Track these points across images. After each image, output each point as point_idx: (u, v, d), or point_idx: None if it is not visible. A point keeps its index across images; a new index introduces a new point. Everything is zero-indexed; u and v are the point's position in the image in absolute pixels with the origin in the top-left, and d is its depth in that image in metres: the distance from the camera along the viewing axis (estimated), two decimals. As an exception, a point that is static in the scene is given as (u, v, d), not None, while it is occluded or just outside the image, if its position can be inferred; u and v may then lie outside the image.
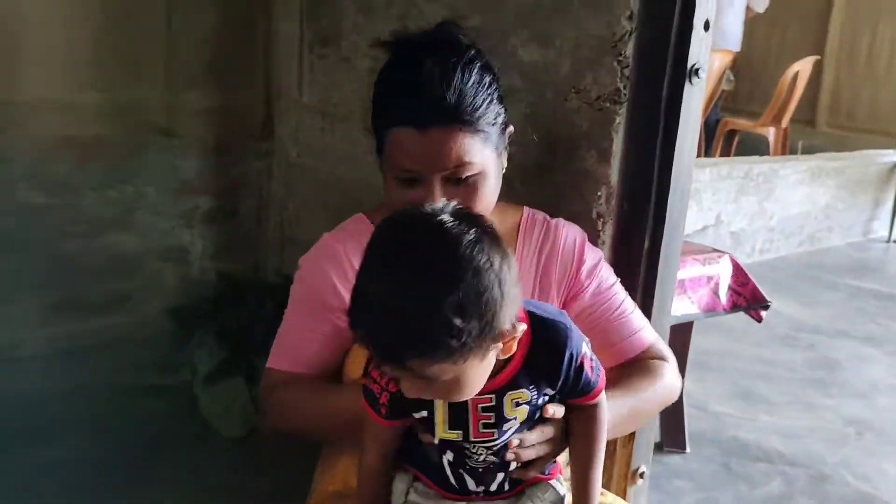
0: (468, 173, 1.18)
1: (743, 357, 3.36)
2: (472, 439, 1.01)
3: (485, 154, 1.19)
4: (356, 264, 1.15)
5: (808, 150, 5.83)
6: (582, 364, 1.01)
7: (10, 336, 2.43)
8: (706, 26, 1.50)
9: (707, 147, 5.90)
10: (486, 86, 1.19)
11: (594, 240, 1.63)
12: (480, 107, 1.17)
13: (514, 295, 0.90)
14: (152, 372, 2.62)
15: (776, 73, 6.21)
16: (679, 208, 1.58)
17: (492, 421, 1.00)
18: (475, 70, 1.17)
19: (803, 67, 5.90)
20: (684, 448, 2.49)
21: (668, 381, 1.32)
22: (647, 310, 1.60)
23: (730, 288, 2.21)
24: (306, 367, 1.27)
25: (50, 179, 2.40)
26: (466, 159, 1.16)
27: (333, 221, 1.41)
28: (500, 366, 0.97)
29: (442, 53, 1.17)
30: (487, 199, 1.23)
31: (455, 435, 1.01)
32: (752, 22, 6.41)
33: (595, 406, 1.06)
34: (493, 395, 0.99)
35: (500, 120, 1.23)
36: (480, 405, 0.99)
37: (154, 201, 2.59)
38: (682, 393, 2.45)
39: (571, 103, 1.66)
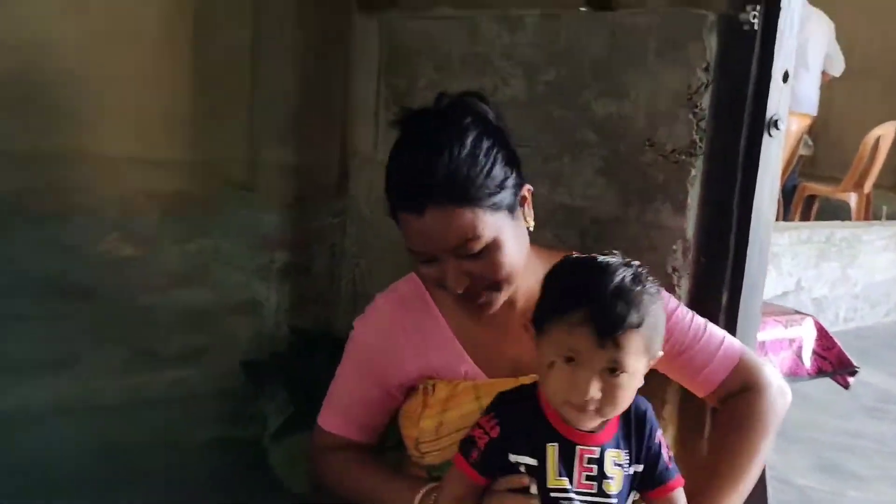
0: (478, 247, 1.16)
1: (827, 429, 3.20)
2: (575, 488, 1.09)
3: (492, 223, 1.17)
4: (406, 331, 1.30)
5: (893, 217, 5.62)
6: (660, 444, 1.15)
7: (90, 385, 2.49)
8: (785, 77, 1.48)
9: (785, 213, 5.76)
10: (480, 155, 1.15)
11: (670, 293, 1.59)
12: (477, 178, 1.14)
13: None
14: (225, 425, 2.65)
15: (856, 137, 6.04)
16: (759, 263, 1.53)
17: (594, 474, 1.10)
18: (468, 142, 1.15)
19: (886, 132, 5.75)
20: (767, 521, 2.35)
21: (767, 413, 1.31)
22: (726, 368, 1.54)
23: (814, 352, 2.11)
24: (355, 430, 1.37)
25: (133, 233, 2.49)
26: (470, 235, 1.15)
27: (403, 279, 1.43)
28: (604, 423, 1.11)
29: (431, 131, 1.16)
30: (509, 264, 1.20)
31: (563, 482, 1.09)
32: (831, 86, 6.30)
33: (678, 497, 1.15)
34: (598, 449, 1.10)
35: (508, 183, 1.19)
36: (586, 455, 1.10)
37: (231, 255, 2.65)
38: (763, 464, 2.36)
39: (646, 156, 1.64)
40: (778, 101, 1.48)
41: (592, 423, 1.10)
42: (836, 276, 4.62)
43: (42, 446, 2.41)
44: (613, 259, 1.10)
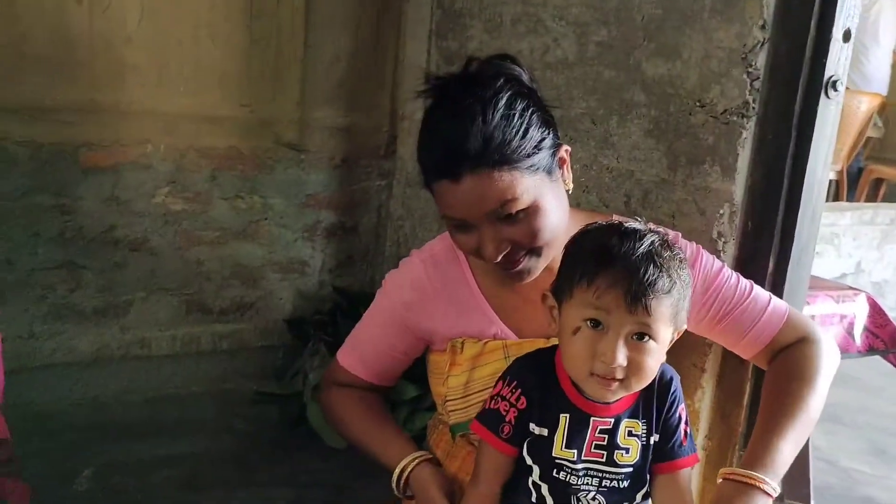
0: (516, 209, 1.12)
1: (880, 413, 3.10)
2: (583, 457, 1.08)
3: (531, 185, 1.12)
4: (437, 290, 1.29)
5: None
6: (680, 418, 1.13)
7: (140, 334, 2.56)
8: (846, 37, 1.42)
9: (850, 196, 5.56)
10: (515, 116, 1.12)
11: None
12: (512, 140, 1.10)
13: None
14: (268, 379, 2.71)
15: (927, 120, 5.81)
16: (809, 230, 1.48)
17: (604, 443, 1.09)
18: (501, 103, 1.11)
19: None
20: (808, 502, 2.30)
21: (822, 359, 1.26)
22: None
23: (866, 329, 2.04)
24: (369, 371, 1.38)
25: (185, 188, 2.54)
26: (508, 196, 1.11)
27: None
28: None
29: (462, 97, 1.12)
30: (550, 228, 1.16)
31: (570, 454, 1.08)
32: (904, 64, 6.03)
33: (682, 476, 1.13)
34: (612, 420, 1.09)
35: (545, 144, 1.15)
36: (599, 426, 1.09)
37: (280, 213, 2.68)
38: (808, 443, 2.30)
39: (696, 117, 1.60)
40: (837, 60, 1.42)
41: (615, 397, 1.06)
42: (899, 260, 4.46)
43: (94, 392, 2.51)
44: (639, 224, 1.07)
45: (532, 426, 1.10)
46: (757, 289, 1.30)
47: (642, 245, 1.02)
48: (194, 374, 2.65)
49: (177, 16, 2.42)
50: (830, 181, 5.46)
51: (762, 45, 1.47)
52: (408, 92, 2.74)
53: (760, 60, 1.48)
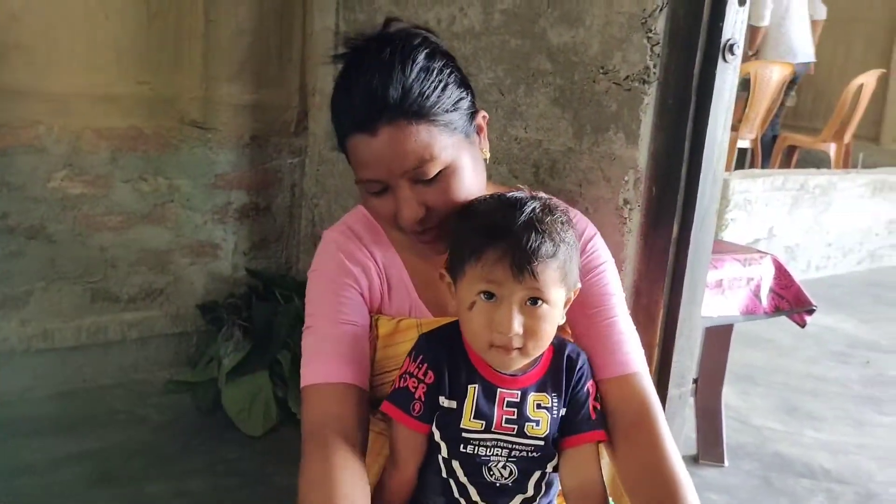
0: (435, 170, 1.08)
1: (792, 372, 3.21)
2: (494, 430, 1.08)
3: (449, 145, 1.09)
4: (363, 253, 1.21)
5: (869, 166, 5.60)
6: (588, 393, 1.13)
7: (43, 326, 2.44)
8: (741, 0, 1.42)
9: (764, 163, 5.72)
10: (434, 72, 1.09)
11: (620, 227, 1.56)
12: (430, 95, 1.07)
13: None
14: (183, 367, 2.63)
15: (840, 87, 5.98)
16: (711, 193, 1.49)
17: (514, 417, 1.09)
18: (420, 58, 1.08)
19: (867, 81, 5.68)
20: (722, 461, 2.37)
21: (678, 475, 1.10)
22: (675, 300, 1.52)
23: (771, 290, 2.09)
24: (346, 369, 1.14)
25: (83, 170, 2.42)
26: (427, 155, 1.07)
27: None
28: (528, 367, 1.10)
29: (380, 51, 1.08)
30: (467, 192, 1.12)
31: (478, 425, 1.08)
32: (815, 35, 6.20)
33: (597, 447, 1.14)
34: (518, 392, 1.09)
35: (462, 105, 1.12)
36: (507, 398, 1.09)
37: (187, 195, 2.59)
38: (720, 403, 2.36)
39: (600, 84, 1.59)
40: (734, 24, 1.42)
41: (517, 365, 1.06)
42: (810, 224, 4.61)
43: (-4, 388, 2.38)
44: (521, 193, 1.08)
45: (441, 399, 1.08)
46: (624, 324, 1.20)
47: (523, 214, 1.03)
48: (103, 366, 2.55)
49: (65, -11, 2.30)
50: (745, 149, 5.61)
51: (661, 9, 1.46)
52: (317, 66, 2.67)
53: (660, 25, 1.47)
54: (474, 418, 1.08)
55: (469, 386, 1.08)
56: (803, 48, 5.84)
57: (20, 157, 2.32)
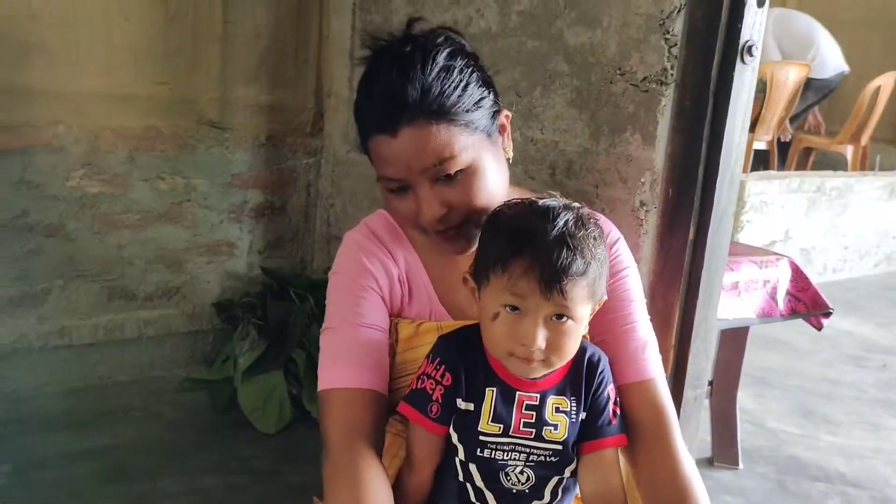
0: (455, 168, 1.08)
1: (808, 376, 3.19)
2: (511, 433, 1.06)
3: (470, 144, 1.09)
4: (385, 253, 1.21)
5: (886, 168, 5.56)
6: (609, 398, 1.11)
7: (60, 323, 2.47)
8: (760, 1, 1.41)
9: (781, 166, 5.69)
10: (455, 71, 1.09)
11: (637, 228, 1.56)
12: (451, 94, 1.07)
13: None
14: (197, 365, 2.65)
15: (857, 90, 5.93)
16: (728, 195, 1.48)
17: (532, 420, 1.07)
18: (440, 57, 1.08)
19: (885, 82, 5.63)
20: (737, 464, 2.36)
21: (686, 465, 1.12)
22: (691, 302, 1.51)
23: (788, 293, 2.08)
24: (364, 374, 1.14)
25: (101, 170, 2.44)
26: (447, 154, 1.07)
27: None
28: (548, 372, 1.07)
29: (401, 52, 1.09)
30: (489, 192, 1.12)
31: (496, 428, 1.06)
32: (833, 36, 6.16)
33: (617, 453, 1.12)
34: (538, 395, 1.07)
35: (484, 104, 1.12)
36: (526, 402, 1.07)
37: (204, 194, 2.60)
38: (735, 406, 2.35)
39: (617, 86, 1.59)
40: (752, 25, 1.42)
41: (537, 374, 1.05)
42: (826, 227, 4.58)
43: (13, 385, 2.41)
44: (554, 202, 1.04)
45: (459, 402, 1.07)
46: (643, 330, 1.20)
47: (555, 227, 0.99)
48: (119, 363, 2.57)
49: (85, -9, 2.32)
50: (760, 151, 5.58)
51: (679, 10, 1.46)
52: (333, 68, 2.68)
53: (678, 27, 1.47)
54: (492, 421, 1.06)
55: (487, 389, 1.07)
56: (835, 60, 5.79)
57: (39, 157, 2.34)
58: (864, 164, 5.91)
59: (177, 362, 2.64)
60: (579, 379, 1.10)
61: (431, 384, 1.08)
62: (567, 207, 1.03)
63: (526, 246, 0.98)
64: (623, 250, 1.25)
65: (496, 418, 1.07)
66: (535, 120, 1.80)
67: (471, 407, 1.07)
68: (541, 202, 1.04)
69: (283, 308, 2.43)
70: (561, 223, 0.99)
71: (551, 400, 1.08)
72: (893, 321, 4.02)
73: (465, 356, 1.09)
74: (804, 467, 2.42)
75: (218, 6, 2.52)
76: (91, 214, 2.45)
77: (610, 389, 1.12)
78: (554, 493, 1.11)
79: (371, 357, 1.15)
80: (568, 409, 1.09)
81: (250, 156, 2.66)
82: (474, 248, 1.15)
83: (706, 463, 2.35)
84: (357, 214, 2.66)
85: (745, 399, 2.71)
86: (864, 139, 5.76)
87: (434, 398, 1.07)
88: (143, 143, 2.49)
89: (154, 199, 2.54)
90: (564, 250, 0.97)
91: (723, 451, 2.37)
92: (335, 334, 1.17)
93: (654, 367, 1.18)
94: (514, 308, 1.00)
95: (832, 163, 5.87)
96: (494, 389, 1.07)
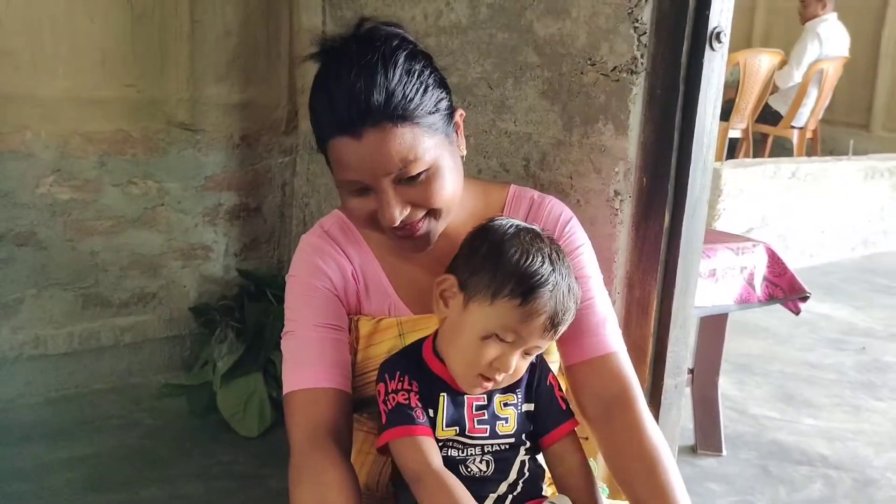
0: (418, 170, 1.09)
1: (788, 360, 3.21)
2: (468, 433, 1.09)
3: (431, 145, 1.10)
4: (341, 254, 1.21)
5: (862, 154, 5.60)
6: (552, 385, 1.16)
7: (34, 333, 2.43)
8: (728, -13, 1.41)
9: (755, 154, 5.72)
10: (415, 74, 1.09)
11: (612, 218, 1.55)
12: (413, 97, 1.08)
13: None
14: (177, 370, 2.62)
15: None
16: (702, 182, 1.48)
17: (485, 418, 1.10)
18: (400, 62, 1.08)
19: (828, 67, 5.62)
20: (720, 450, 2.37)
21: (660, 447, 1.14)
22: (668, 290, 1.51)
23: (765, 278, 2.08)
24: (326, 373, 1.15)
25: (71, 175, 2.40)
26: (411, 157, 1.07)
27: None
28: None
29: (360, 54, 1.08)
30: (448, 192, 1.13)
31: (452, 432, 1.09)
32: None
33: (575, 434, 1.15)
34: (485, 395, 1.11)
35: (442, 105, 1.13)
36: (475, 403, 1.10)
37: (177, 197, 2.57)
38: (716, 393, 2.36)
39: (588, 76, 1.58)
40: (720, 12, 1.42)
41: (482, 391, 1.09)
42: (802, 212, 4.61)
43: (-11, 396, 2.37)
44: (549, 241, 1.10)
45: (427, 407, 1.09)
46: (601, 305, 1.22)
47: (563, 277, 1.06)
48: (96, 371, 2.53)
49: (49, -8, 2.28)
50: (735, 139, 5.61)
51: (647, -2, 1.45)
52: (306, 64, 2.64)
53: (646, 15, 1.46)
54: (447, 426, 1.08)
55: (440, 395, 1.09)
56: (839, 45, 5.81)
57: (8, 164, 2.30)
58: (816, 148, 5.94)
59: (155, 368, 2.61)
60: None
61: (403, 396, 1.07)
62: (558, 247, 1.10)
63: (543, 288, 1.03)
64: (576, 229, 1.27)
65: (450, 423, 1.09)
66: (508, 112, 1.79)
67: (431, 413, 1.08)
68: (541, 242, 1.08)
69: (261, 310, 2.41)
70: (565, 270, 1.07)
71: (498, 398, 1.12)
72: (871, 304, 4.05)
73: (414, 368, 1.10)
74: (787, 452, 2.44)
75: (185, 4, 2.48)
76: (62, 221, 2.41)
77: (550, 377, 1.16)
78: (521, 472, 1.12)
79: (330, 356, 1.16)
80: (515, 402, 1.13)
81: (224, 157, 2.63)
82: (431, 246, 1.18)
83: (689, 451, 2.36)
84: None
85: (726, 386, 2.72)
86: (813, 123, 5.77)
87: (412, 405, 1.06)
88: (113, 148, 2.46)
89: (126, 205, 2.50)
90: (571, 300, 1.06)
91: (706, 438, 2.38)
92: (294, 338, 1.19)
93: (614, 341, 1.22)
94: (509, 340, 1.04)
95: (779, 149, 5.90)
96: (445, 395, 1.09)
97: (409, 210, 1.11)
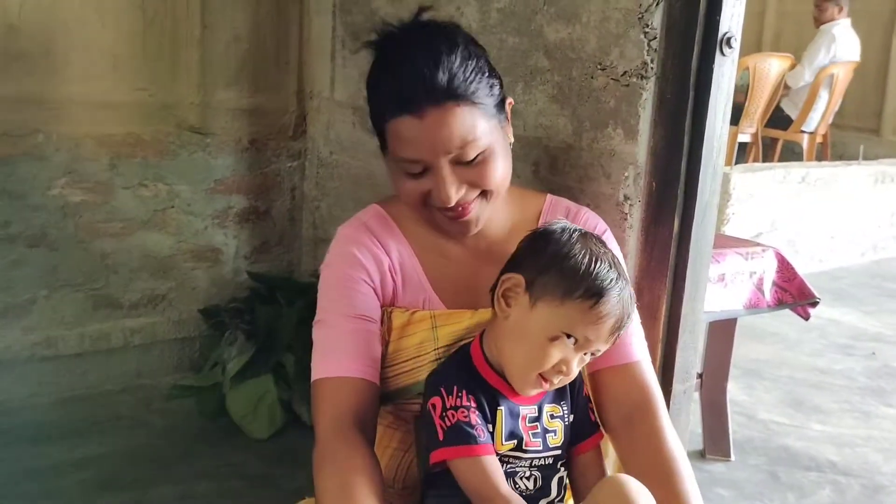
0: (476, 152, 1.14)
1: (797, 366, 3.20)
2: (524, 447, 1.10)
3: (488, 128, 1.15)
4: (378, 246, 1.23)
5: (873, 159, 5.58)
6: (587, 396, 1.18)
7: (46, 333, 2.44)
8: (738, -7, 1.41)
9: (765, 158, 5.71)
10: (474, 59, 1.15)
11: (621, 223, 1.56)
12: (473, 80, 1.13)
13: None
14: (185, 372, 2.63)
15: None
16: (711, 187, 1.48)
17: (538, 431, 1.11)
18: (461, 46, 1.14)
19: (839, 70, 5.61)
20: (729, 455, 2.36)
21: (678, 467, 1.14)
22: (677, 295, 1.51)
23: (774, 283, 2.08)
24: (359, 363, 1.16)
25: (83, 177, 2.41)
26: (470, 137, 1.12)
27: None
28: None
29: (424, 38, 1.14)
30: (500, 176, 1.18)
31: (511, 445, 1.09)
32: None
33: (599, 448, 1.18)
34: (536, 407, 1.12)
35: (496, 92, 1.18)
36: (528, 415, 1.11)
37: (188, 200, 2.59)
38: (725, 398, 2.36)
39: (598, 80, 1.59)
40: (731, 17, 1.42)
41: (536, 392, 1.11)
42: (812, 217, 4.60)
43: (0, 397, 2.38)
44: (608, 251, 1.13)
45: (487, 422, 1.08)
46: (636, 328, 1.25)
47: (626, 282, 1.09)
48: (106, 372, 2.55)
49: (63, -2, 2.29)
50: (744, 143, 5.60)
51: (657, 3, 1.46)
52: (315, 70, 2.66)
53: (657, 20, 1.47)
54: (506, 440, 1.09)
55: (497, 409, 1.09)
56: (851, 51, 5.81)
57: (20, 166, 2.32)
58: (826, 152, 5.92)
59: (164, 370, 2.62)
60: (560, 390, 1.14)
61: (463, 413, 1.05)
62: (607, 252, 1.12)
63: (611, 293, 1.05)
64: (611, 241, 1.30)
65: (508, 436, 1.09)
66: (518, 117, 1.79)
67: (490, 428, 1.08)
68: (603, 249, 1.11)
69: (271, 312, 2.42)
70: (625, 274, 1.11)
71: (547, 408, 1.12)
72: (881, 309, 4.04)
73: (467, 380, 1.09)
74: (796, 457, 2.43)
75: (196, 10, 2.50)
76: (74, 223, 2.43)
77: (585, 388, 1.19)
78: (559, 489, 1.13)
79: (361, 347, 1.17)
80: (562, 414, 1.14)
81: (233, 160, 2.65)
82: (478, 230, 1.21)
83: (698, 456, 2.35)
84: (343, 216, 2.62)
85: (735, 391, 2.72)
86: (823, 127, 5.76)
87: (473, 423, 1.05)
88: (124, 151, 2.47)
89: (137, 207, 2.52)
90: (632, 306, 1.10)
91: (714, 443, 2.37)
92: (326, 326, 1.20)
93: (639, 350, 1.24)
94: (575, 341, 1.06)
95: (788, 153, 5.88)
96: (503, 409, 1.09)
97: (464, 190, 1.16)
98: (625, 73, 1.53)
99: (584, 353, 1.07)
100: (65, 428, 2.31)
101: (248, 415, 2.29)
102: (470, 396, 1.07)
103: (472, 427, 1.05)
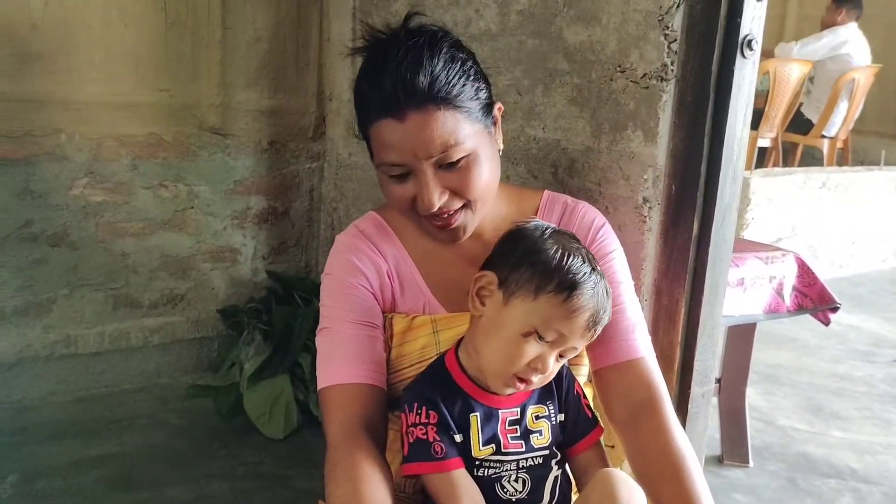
0: (458, 155, 1.12)
1: (816, 372, 3.17)
2: (503, 450, 1.08)
3: (472, 132, 1.13)
4: (375, 253, 1.23)
5: (894, 164, 5.52)
6: (579, 395, 1.15)
7: (66, 332, 2.47)
8: (760, -6, 1.40)
9: (785, 163, 5.66)
10: (458, 62, 1.13)
11: (640, 225, 1.55)
12: (456, 83, 1.11)
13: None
14: (204, 371, 2.64)
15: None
16: (731, 190, 1.47)
17: (518, 434, 1.10)
18: (444, 50, 1.12)
19: (859, 75, 5.55)
20: (747, 462, 2.34)
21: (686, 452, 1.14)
22: (696, 299, 1.50)
23: (794, 288, 2.06)
24: (361, 368, 1.16)
25: (104, 178, 2.44)
26: (452, 141, 1.11)
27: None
28: None
29: (408, 42, 1.12)
30: (485, 181, 1.16)
31: (489, 450, 1.08)
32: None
33: (600, 444, 1.16)
34: (518, 409, 1.10)
35: (481, 95, 1.16)
36: (509, 418, 1.09)
37: (207, 200, 2.60)
38: (744, 403, 2.34)
39: (617, 83, 1.58)
40: (752, 19, 1.41)
41: (513, 392, 1.10)
42: (833, 222, 4.56)
43: (19, 395, 2.41)
44: (575, 243, 1.11)
45: (453, 434, 1.08)
46: (632, 311, 1.24)
47: (600, 277, 1.07)
48: (125, 371, 2.57)
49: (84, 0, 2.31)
50: (764, 148, 5.56)
51: (678, 6, 1.45)
52: (334, 71, 2.67)
53: (677, 22, 1.46)
54: (483, 446, 1.08)
55: (470, 416, 1.08)
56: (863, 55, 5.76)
57: (42, 166, 2.34)
58: (846, 157, 5.86)
59: (182, 369, 2.64)
60: (550, 383, 1.13)
61: (421, 430, 1.07)
62: (581, 248, 1.10)
63: (584, 287, 1.04)
64: (608, 234, 1.29)
65: (486, 441, 1.08)
66: (537, 119, 1.79)
67: (460, 438, 1.08)
68: (577, 246, 1.10)
69: (289, 312, 2.42)
70: (599, 269, 1.08)
71: (531, 409, 1.11)
72: (901, 316, 3.99)
73: (438, 391, 1.09)
74: (815, 464, 2.41)
75: (217, 12, 2.52)
76: (95, 223, 2.45)
77: (577, 386, 1.16)
78: (553, 493, 1.11)
79: (365, 352, 1.18)
80: (547, 414, 1.13)
81: (252, 161, 2.66)
82: (467, 237, 1.20)
83: (716, 461, 2.34)
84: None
85: (754, 396, 2.70)
86: (844, 133, 5.70)
87: (430, 440, 1.06)
88: (145, 151, 2.49)
89: (157, 207, 2.54)
90: (608, 301, 1.07)
91: (733, 448, 2.35)
92: (329, 334, 1.20)
93: (643, 346, 1.22)
94: (549, 338, 1.04)
95: (809, 158, 5.83)
96: (476, 415, 1.08)
97: (447, 196, 1.14)
98: (644, 75, 1.52)
99: (561, 351, 1.06)
100: (83, 426, 2.33)
101: (265, 415, 2.30)
102: (430, 413, 1.06)
103: (430, 443, 1.05)
